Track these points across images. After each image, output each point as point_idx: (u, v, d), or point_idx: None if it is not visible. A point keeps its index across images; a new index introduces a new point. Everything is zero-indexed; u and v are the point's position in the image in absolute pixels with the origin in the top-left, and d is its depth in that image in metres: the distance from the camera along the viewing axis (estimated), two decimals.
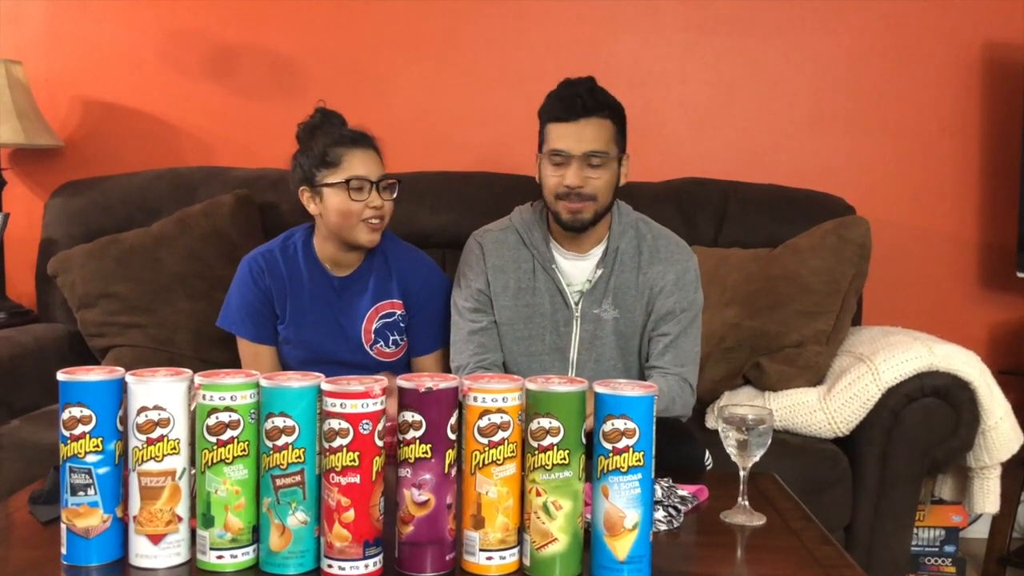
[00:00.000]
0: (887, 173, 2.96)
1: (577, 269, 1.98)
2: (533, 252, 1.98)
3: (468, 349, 1.97)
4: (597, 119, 1.87)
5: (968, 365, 2.15)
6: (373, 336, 2.07)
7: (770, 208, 2.67)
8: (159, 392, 1.16)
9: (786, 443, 2.17)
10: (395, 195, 2.02)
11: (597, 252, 1.97)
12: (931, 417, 2.15)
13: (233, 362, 2.18)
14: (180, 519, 1.18)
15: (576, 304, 1.96)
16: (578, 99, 1.85)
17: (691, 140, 2.98)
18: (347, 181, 1.94)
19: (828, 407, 2.18)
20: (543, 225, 2.00)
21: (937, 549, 2.65)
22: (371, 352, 2.07)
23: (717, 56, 2.96)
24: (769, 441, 1.42)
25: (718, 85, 2.97)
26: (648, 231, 2.00)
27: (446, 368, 2.07)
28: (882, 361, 2.16)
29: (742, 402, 2.24)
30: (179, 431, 1.17)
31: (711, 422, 2.27)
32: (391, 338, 2.08)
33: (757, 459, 1.42)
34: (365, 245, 2.00)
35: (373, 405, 1.13)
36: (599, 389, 1.16)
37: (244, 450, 1.16)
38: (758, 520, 1.40)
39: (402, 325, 2.09)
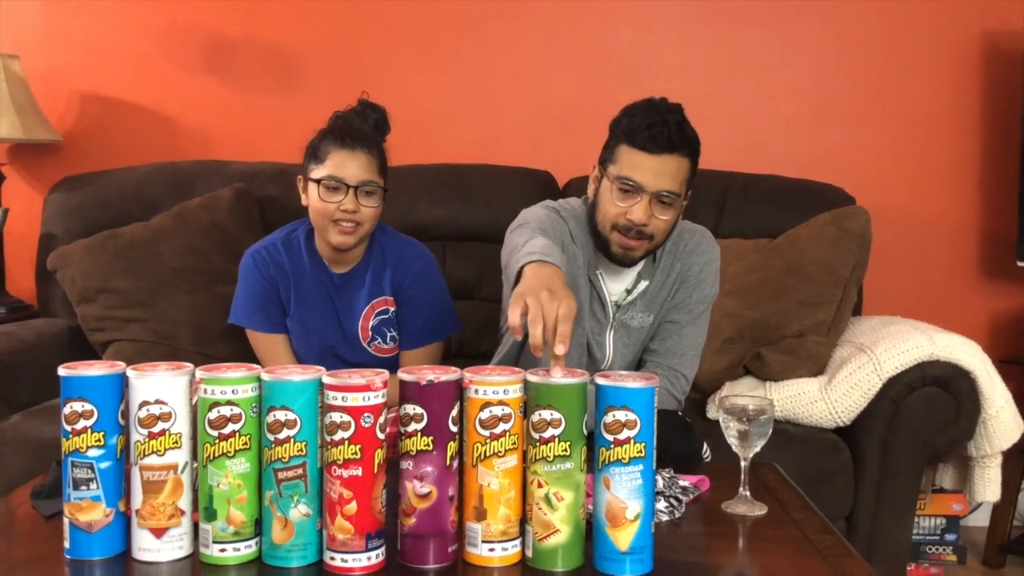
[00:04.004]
0: (887, 163, 2.95)
1: (617, 280, 1.87)
2: (581, 252, 1.82)
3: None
4: (679, 156, 1.72)
5: (969, 354, 2.15)
6: (371, 333, 2.04)
7: (770, 199, 2.67)
8: (160, 386, 1.16)
9: (787, 433, 2.17)
10: (379, 202, 1.94)
11: (639, 264, 1.86)
12: (932, 406, 2.16)
13: (233, 356, 2.17)
14: (182, 513, 1.18)
15: (613, 315, 1.86)
16: (666, 130, 1.70)
17: None
18: (320, 180, 1.89)
19: (829, 397, 2.19)
20: (589, 230, 1.86)
21: (938, 537, 2.65)
22: (369, 349, 2.06)
23: (716, 47, 2.96)
24: (770, 431, 1.42)
25: (717, 76, 2.96)
26: (676, 229, 1.87)
27: (433, 364, 2.02)
28: (883, 351, 2.16)
29: (743, 392, 2.24)
30: (181, 425, 1.17)
31: (712, 413, 2.27)
32: (388, 335, 2.06)
33: (758, 449, 1.42)
34: (336, 246, 1.95)
35: (374, 398, 1.13)
36: (600, 381, 1.15)
37: (246, 444, 1.16)
38: (759, 510, 1.40)
39: (396, 321, 2.07)
